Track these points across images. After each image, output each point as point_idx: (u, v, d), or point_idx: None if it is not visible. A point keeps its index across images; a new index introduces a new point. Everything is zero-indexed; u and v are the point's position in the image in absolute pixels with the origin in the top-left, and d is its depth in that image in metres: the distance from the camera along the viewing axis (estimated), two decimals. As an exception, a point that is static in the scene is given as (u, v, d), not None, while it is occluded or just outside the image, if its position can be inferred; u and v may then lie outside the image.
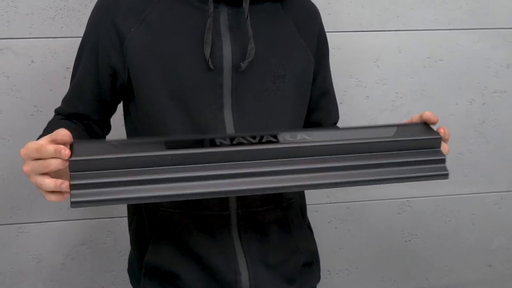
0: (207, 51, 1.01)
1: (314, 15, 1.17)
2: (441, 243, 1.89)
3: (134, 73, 1.04)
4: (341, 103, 1.66)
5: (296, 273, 1.14)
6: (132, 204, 1.17)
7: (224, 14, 1.04)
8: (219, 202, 1.06)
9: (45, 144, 0.83)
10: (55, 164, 0.83)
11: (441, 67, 1.73)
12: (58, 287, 1.67)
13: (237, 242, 1.07)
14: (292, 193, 1.14)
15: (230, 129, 1.03)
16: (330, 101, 1.22)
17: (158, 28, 1.03)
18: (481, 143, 1.81)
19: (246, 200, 1.07)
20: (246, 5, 1.03)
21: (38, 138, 1.03)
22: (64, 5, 1.48)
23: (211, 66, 1.01)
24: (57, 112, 1.15)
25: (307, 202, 1.24)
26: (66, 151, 0.82)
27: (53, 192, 0.85)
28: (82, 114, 1.12)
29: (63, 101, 1.15)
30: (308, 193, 1.64)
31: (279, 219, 1.11)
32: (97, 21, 1.07)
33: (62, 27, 1.49)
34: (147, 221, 1.11)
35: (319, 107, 1.19)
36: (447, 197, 1.84)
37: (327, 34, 1.19)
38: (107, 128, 1.17)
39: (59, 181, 0.83)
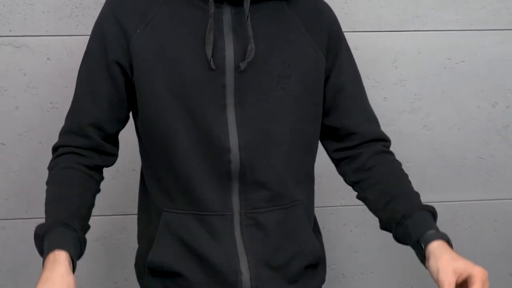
0: (209, 51, 1.00)
1: (323, 11, 1.14)
2: (461, 250, 1.80)
3: (138, 74, 1.04)
4: (357, 104, 1.63)
5: (298, 274, 1.12)
6: (143, 202, 1.17)
7: (227, 14, 1.04)
8: (222, 202, 1.06)
9: None
10: None
11: (462, 69, 1.68)
12: (72, 282, 1.70)
13: (240, 242, 1.06)
14: (298, 194, 1.12)
15: (232, 130, 1.03)
16: (348, 98, 1.15)
17: (163, 30, 1.04)
18: (504, 147, 1.76)
19: (249, 200, 1.06)
20: (246, 4, 1.02)
21: (46, 206, 1.04)
22: (80, 4, 1.50)
23: (213, 66, 1.01)
24: (59, 145, 1.10)
25: (322, 204, 1.22)
26: None
27: None
28: (95, 123, 1.08)
29: (70, 117, 1.12)
30: (322, 196, 1.62)
31: (282, 220, 1.09)
32: (104, 22, 1.08)
33: (77, 25, 1.51)
34: (153, 220, 1.11)
35: (335, 106, 1.14)
36: (467, 202, 1.79)
37: (344, 34, 1.16)
38: (116, 143, 1.14)
39: None
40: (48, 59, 1.52)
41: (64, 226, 0.98)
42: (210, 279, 1.06)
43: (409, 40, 1.65)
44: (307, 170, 1.16)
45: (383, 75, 1.66)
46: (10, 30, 1.49)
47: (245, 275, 1.05)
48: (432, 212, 1.07)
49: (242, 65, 1.01)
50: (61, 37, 1.51)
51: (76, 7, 1.50)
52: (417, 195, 1.10)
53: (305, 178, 1.15)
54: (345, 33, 1.17)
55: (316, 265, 1.17)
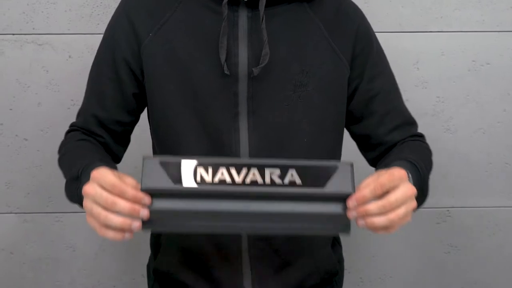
0: (223, 57, 0.96)
1: (349, 13, 1.06)
2: (485, 257, 1.78)
3: (149, 79, 1.01)
4: (377, 106, 1.61)
5: None
6: None
7: (243, 18, 0.98)
8: None
9: (123, 191, 0.78)
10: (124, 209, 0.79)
11: (487, 71, 1.63)
12: (91, 276, 1.72)
13: (246, 257, 1.04)
14: None
15: (244, 138, 0.99)
16: (382, 103, 1.06)
17: (176, 35, 0.99)
18: (531, 153, 1.70)
19: None
20: (262, 7, 0.96)
21: (61, 163, 1.01)
22: (101, 2, 1.52)
23: (227, 72, 0.96)
24: (73, 126, 1.10)
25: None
26: (144, 213, 0.79)
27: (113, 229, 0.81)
28: (101, 123, 1.06)
29: (80, 114, 1.10)
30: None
31: (296, 238, 1.05)
32: (116, 24, 1.04)
33: (98, 24, 1.53)
34: None
35: (368, 113, 1.07)
36: (492, 208, 1.74)
37: (375, 34, 1.10)
38: (126, 141, 1.11)
39: (128, 221, 0.80)
40: (69, 57, 1.55)
41: (102, 161, 0.91)
42: None
43: (432, 41, 1.61)
44: None
45: (405, 77, 1.63)
46: (33, 28, 1.53)
47: None
48: (412, 163, 0.94)
49: (255, 71, 0.96)
50: (83, 35, 1.54)
51: (97, 6, 1.53)
52: (416, 155, 0.99)
53: None
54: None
55: (331, 280, 1.14)
